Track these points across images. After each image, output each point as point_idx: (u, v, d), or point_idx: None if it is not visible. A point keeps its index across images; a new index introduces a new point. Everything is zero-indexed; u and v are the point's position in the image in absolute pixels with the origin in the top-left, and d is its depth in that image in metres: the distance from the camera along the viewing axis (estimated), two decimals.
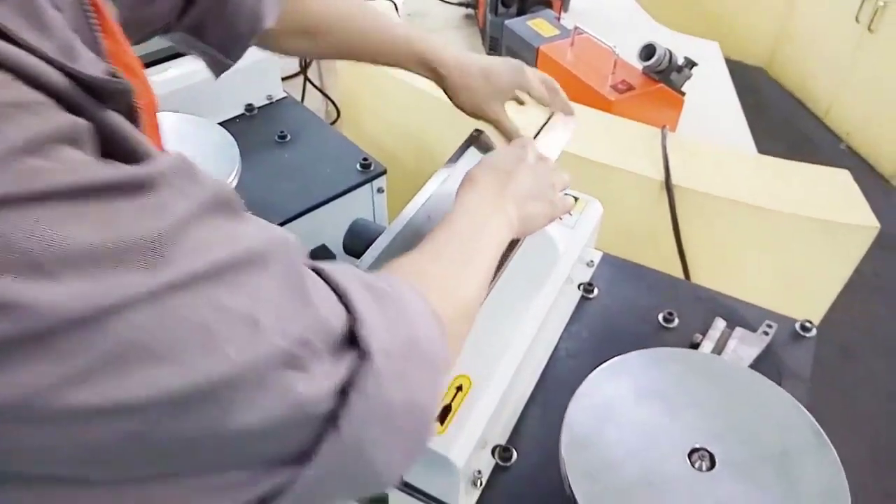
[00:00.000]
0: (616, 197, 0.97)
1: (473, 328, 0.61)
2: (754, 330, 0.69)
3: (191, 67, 0.96)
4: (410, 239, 0.64)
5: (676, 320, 0.72)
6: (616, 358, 0.59)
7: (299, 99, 1.50)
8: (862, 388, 1.81)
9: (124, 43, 0.35)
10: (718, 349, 0.68)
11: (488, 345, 0.60)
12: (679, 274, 0.96)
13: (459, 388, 0.56)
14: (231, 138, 0.82)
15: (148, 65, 0.94)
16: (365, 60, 0.70)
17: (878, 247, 1.02)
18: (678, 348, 0.62)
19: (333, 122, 1.58)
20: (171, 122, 0.84)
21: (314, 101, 1.57)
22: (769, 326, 0.69)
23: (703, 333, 0.70)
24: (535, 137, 0.73)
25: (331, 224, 0.89)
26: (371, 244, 0.64)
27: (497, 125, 0.73)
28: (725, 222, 0.95)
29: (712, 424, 0.53)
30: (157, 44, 0.96)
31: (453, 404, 0.55)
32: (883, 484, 1.58)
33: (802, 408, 0.55)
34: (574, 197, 0.76)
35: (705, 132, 1.29)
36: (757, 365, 0.66)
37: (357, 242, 0.69)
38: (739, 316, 0.72)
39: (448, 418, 0.54)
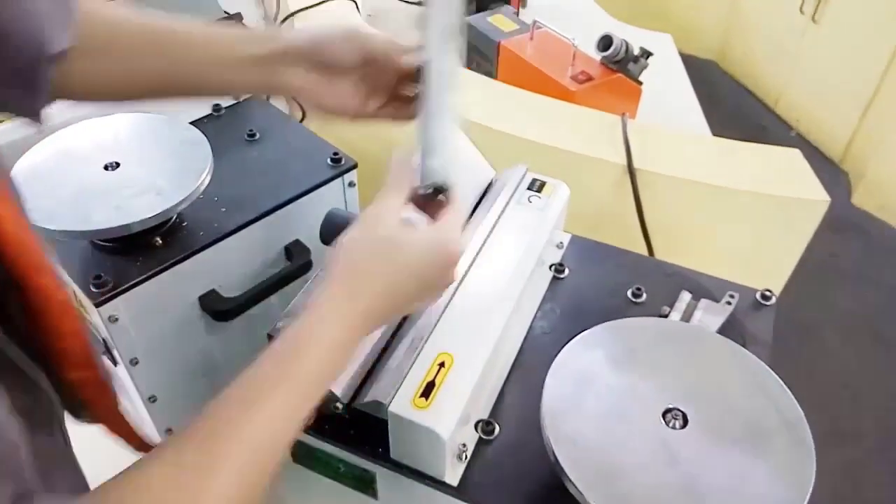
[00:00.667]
0: (581, 182, 1.00)
1: (453, 309, 0.63)
2: (718, 300, 0.73)
3: None
4: None
5: (644, 295, 0.75)
6: (589, 330, 0.61)
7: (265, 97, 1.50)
8: (822, 365, 1.89)
9: None
10: (685, 319, 0.71)
11: (468, 324, 0.62)
12: (644, 253, 1.00)
13: (442, 365, 0.58)
14: (202, 136, 0.82)
15: None
16: (193, 83, 0.57)
17: (831, 230, 1.06)
18: (648, 317, 0.65)
19: (301, 121, 1.59)
20: (143, 122, 0.84)
21: (278, 103, 1.57)
22: (731, 296, 0.73)
23: (671, 306, 0.73)
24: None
25: (304, 219, 0.90)
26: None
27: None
28: (685, 202, 0.99)
29: (684, 386, 0.56)
30: None
31: (437, 380, 0.56)
32: (843, 455, 1.65)
33: (766, 367, 0.58)
34: (542, 181, 0.78)
35: (663, 121, 1.34)
36: (721, 332, 0.69)
37: (333, 231, 0.71)
38: (704, 288, 0.75)
39: (432, 393, 0.55)
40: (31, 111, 0.53)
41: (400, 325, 0.63)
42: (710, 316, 0.71)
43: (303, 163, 0.93)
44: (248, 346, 0.95)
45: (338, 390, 0.57)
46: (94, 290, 0.74)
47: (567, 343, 0.61)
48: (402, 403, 0.54)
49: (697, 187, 0.97)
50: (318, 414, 0.59)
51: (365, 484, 0.63)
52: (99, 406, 0.52)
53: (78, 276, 0.76)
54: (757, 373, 0.58)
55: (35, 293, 0.40)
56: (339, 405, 0.57)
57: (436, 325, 0.61)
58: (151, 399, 0.87)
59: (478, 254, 0.69)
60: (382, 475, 0.61)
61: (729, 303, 0.72)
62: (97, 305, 0.74)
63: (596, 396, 0.56)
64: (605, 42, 1.23)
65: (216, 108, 1.02)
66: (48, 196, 0.72)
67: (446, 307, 0.63)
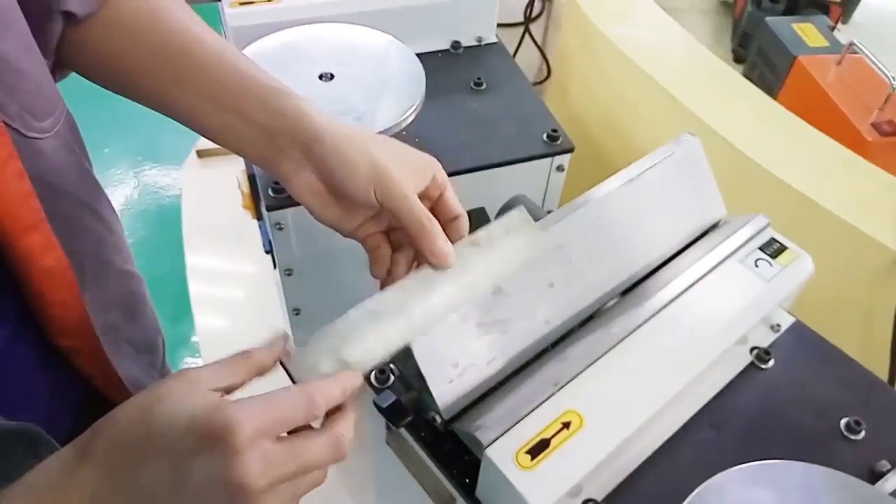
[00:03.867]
0: (836, 258, 0.80)
1: (608, 362, 0.52)
2: None
3: None
4: (565, 234, 0.55)
5: (863, 433, 0.57)
6: (768, 462, 0.47)
7: (514, 48, 1.43)
8: None
9: None
10: None
11: (619, 385, 0.51)
12: (883, 375, 0.78)
13: (566, 426, 0.47)
14: (422, 72, 0.77)
15: None
16: (188, 111, 0.49)
17: None
18: (852, 478, 0.48)
19: (542, 82, 1.50)
20: (373, 40, 0.81)
21: (529, 56, 1.49)
22: None
23: (894, 463, 0.55)
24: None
25: (496, 189, 0.82)
26: None
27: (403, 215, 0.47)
28: None
29: None
30: None
31: (553, 441, 0.46)
32: None
33: None
34: (782, 245, 0.62)
35: None
36: None
37: None
38: None
39: (542, 455, 0.46)
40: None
41: (543, 353, 0.54)
42: None
43: (518, 129, 0.85)
44: None
45: (441, 400, 0.49)
46: (271, 193, 0.74)
47: (733, 456, 0.48)
48: (502, 451, 0.46)
49: None
50: (416, 412, 0.53)
51: (443, 502, 0.57)
52: (98, 378, 0.50)
53: (263, 174, 0.77)
54: None
55: (15, 255, 0.38)
56: (437, 418, 0.50)
57: (579, 373, 0.50)
58: (296, 311, 0.88)
59: (667, 305, 0.56)
60: None
61: None
62: (268, 210, 0.74)
63: None
64: None
65: (455, 45, 0.96)
66: None
67: (601, 357, 0.52)
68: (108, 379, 0.51)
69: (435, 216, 0.47)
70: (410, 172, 0.47)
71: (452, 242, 0.47)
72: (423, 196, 0.48)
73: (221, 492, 0.31)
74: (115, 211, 0.55)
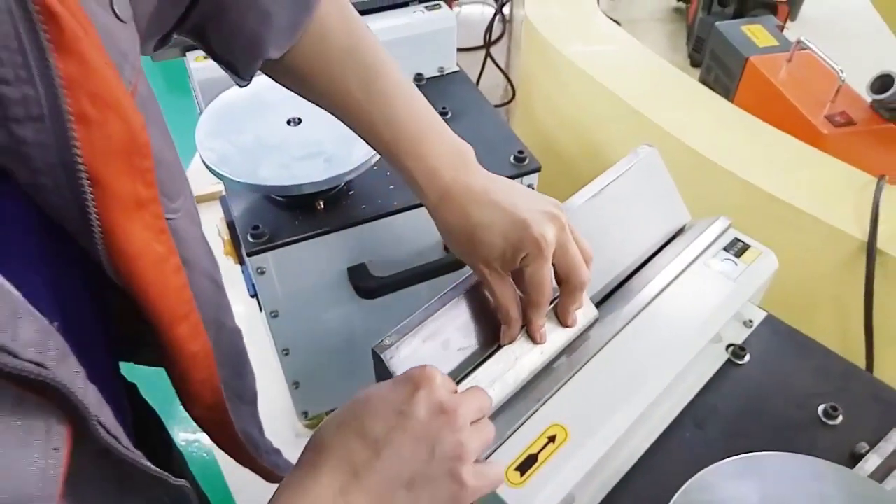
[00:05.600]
0: (800, 250, 0.83)
1: (587, 373, 0.53)
2: None
3: (375, 26, 0.94)
4: None
5: (840, 417, 0.59)
6: (750, 455, 0.49)
7: (477, 72, 1.47)
8: None
9: (104, 66, 0.29)
10: (887, 469, 0.55)
11: (600, 394, 0.52)
12: (860, 361, 0.80)
13: (552, 439, 0.49)
14: None
15: None
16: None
17: None
18: (835, 465, 0.50)
19: (507, 103, 1.53)
20: None
21: (493, 77, 1.52)
22: None
23: (872, 444, 0.57)
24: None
25: None
26: None
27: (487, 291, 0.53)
28: None
29: None
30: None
31: (540, 456, 0.48)
32: None
33: None
34: (745, 244, 0.65)
35: None
36: None
37: None
38: None
39: (531, 471, 0.47)
40: (238, 79, 0.55)
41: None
42: None
43: (485, 154, 0.86)
44: (386, 325, 0.93)
45: None
46: (250, 239, 0.75)
47: (719, 450, 0.50)
48: None
49: None
50: None
51: None
52: (218, 437, 0.53)
53: (241, 220, 0.78)
54: None
55: (166, 342, 0.39)
56: None
57: (560, 387, 0.52)
58: (285, 352, 0.89)
59: (640, 312, 0.58)
60: None
61: None
62: (248, 255, 0.75)
63: None
64: (884, 82, 1.00)
65: (418, 77, 0.99)
66: (228, 140, 0.73)
67: (580, 368, 0.54)
68: (226, 436, 0.53)
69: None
70: (500, 241, 0.49)
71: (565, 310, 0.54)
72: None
73: (440, 416, 0.39)
74: (220, 268, 0.56)
